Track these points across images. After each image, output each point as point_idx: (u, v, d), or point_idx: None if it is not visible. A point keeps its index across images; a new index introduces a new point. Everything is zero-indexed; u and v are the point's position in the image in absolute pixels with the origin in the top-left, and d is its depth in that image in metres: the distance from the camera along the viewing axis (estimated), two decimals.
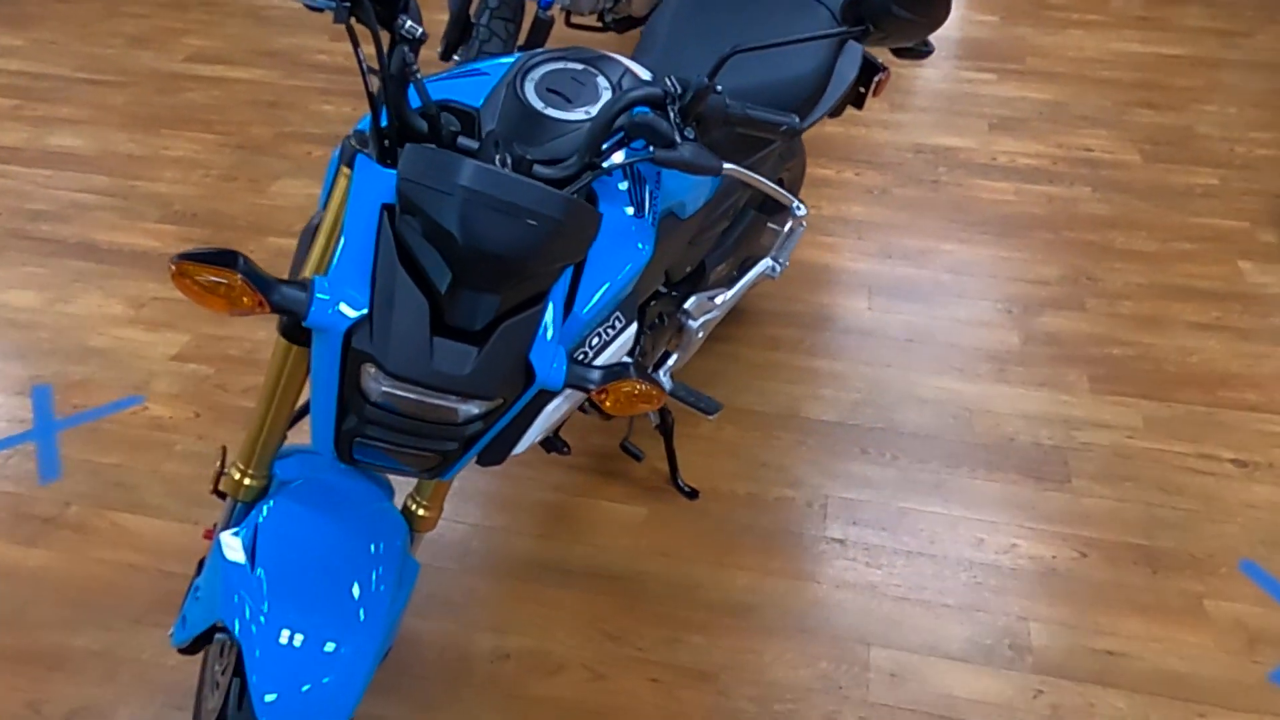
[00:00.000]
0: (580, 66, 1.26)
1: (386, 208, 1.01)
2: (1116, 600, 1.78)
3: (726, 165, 1.39)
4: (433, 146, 0.98)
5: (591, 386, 1.10)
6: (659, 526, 1.91)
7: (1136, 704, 1.61)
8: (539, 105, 1.20)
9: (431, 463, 1.12)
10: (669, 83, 1.13)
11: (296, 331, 1.13)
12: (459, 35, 2.94)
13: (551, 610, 1.74)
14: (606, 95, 1.24)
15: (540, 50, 1.28)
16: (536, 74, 1.24)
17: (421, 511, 1.34)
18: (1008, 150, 3.22)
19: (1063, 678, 1.65)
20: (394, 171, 1.02)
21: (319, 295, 0.98)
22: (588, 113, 1.21)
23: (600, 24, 3.34)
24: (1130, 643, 1.71)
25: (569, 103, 1.22)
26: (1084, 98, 3.56)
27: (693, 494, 1.96)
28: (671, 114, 1.12)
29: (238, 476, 1.23)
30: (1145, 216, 2.89)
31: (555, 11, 2.80)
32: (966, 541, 1.89)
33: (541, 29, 2.87)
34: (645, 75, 1.32)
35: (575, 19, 3.90)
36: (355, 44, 0.99)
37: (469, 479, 2.00)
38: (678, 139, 1.10)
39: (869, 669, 1.66)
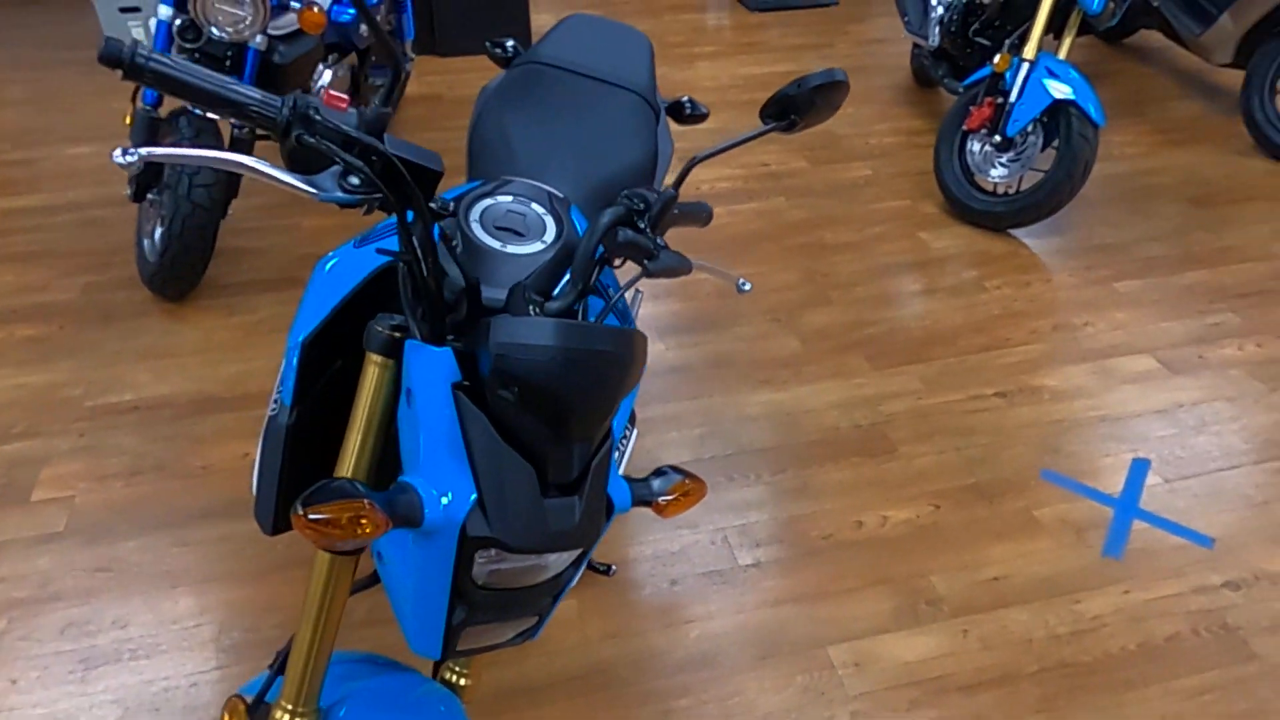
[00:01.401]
0: (510, 198, 1.27)
1: (458, 387, 0.97)
2: (976, 535, 2.11)
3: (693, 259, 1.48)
4: (508, 316, 0.96)
5: (656, 498, 1.13)
6: (596, 613, 1.92)
7: (1033, 611, 1.94)
8: (498, 245, 1.20)
9: (530, 625, 1.09)
10: (632, 199, 1.19)
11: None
12: (151, 179, 2.69)
13: None
14: (549, 221, 1.27)
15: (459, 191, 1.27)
16: (474, 215, 1.23)
17: (463, 681, 1.27)
18: (706, 179, 3.58)
19: (974, 613, 1.93)
20: (448, 350, 0.98)
21: (427, 495, 0.92)
22: (544, 242, 1.23)
23: None
24: (1003, 565, 2.04)
25: (521, 236, 1.23)
26: (739, 120, 4.04)
27: (608, 570, 1.99)
28: (643, 226, 1.18)
29: (283, 716, 1.09)
30: (836, 212, 3.38)
31: None
32: (849, 527, 2.13)
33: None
34: (559, 194, 1.36)
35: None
36: (409, 232, 0.93)
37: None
38: (655, 249, 1.17)
39: (835, 667, 1.82)
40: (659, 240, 1.20)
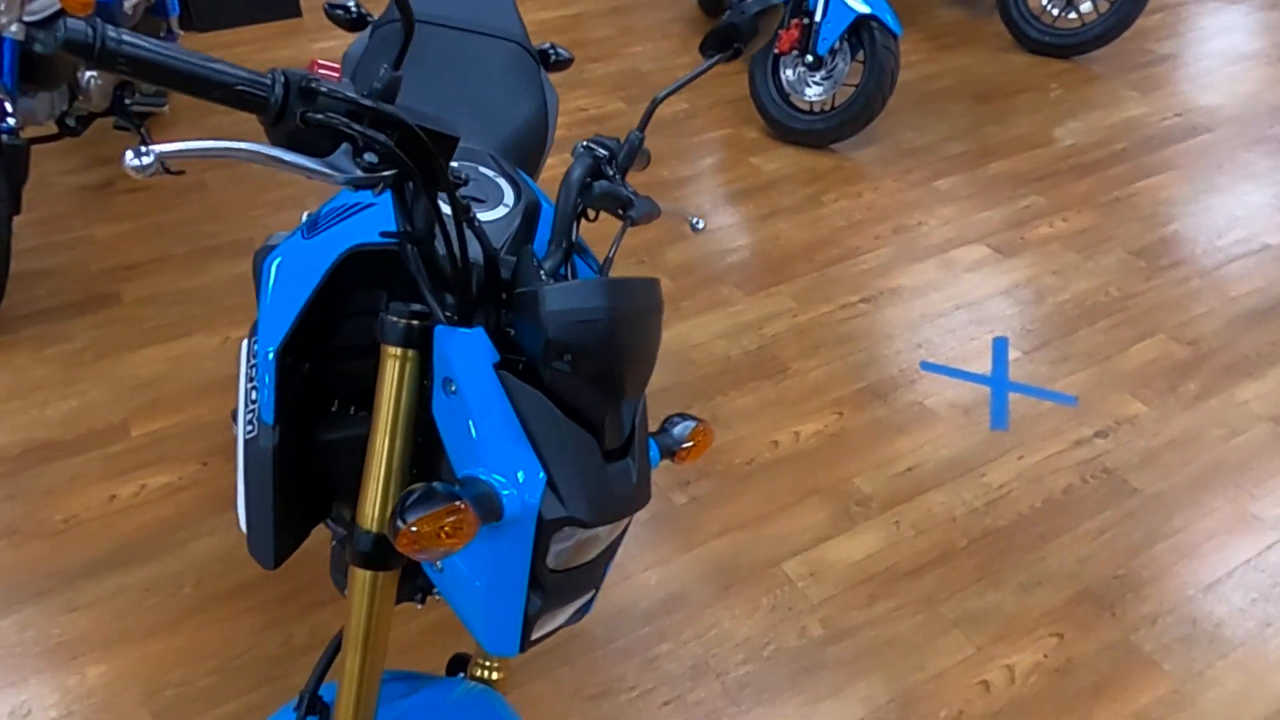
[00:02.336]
0: (456, 165, 1.18)
1: (499, 367, 0.89)
2: (881, 433, 2.24)
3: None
4: (555, 285, 0.89)
5: (678, 448, 1.12)
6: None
7: (948, 492, 2.08)
8: (493, 212, 1.12)
9: (588, 599, 1.04)
10: (599, 148, 1.14)
11: (382, 555, 0.95)
12: None
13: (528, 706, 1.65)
14: (503, 183, 1.19)
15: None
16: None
17: (495, 675, 1.21)
18: None
19: (899, 504, 2.06)
20: (480, 330, 0.90)
21: (497, 482, 0.85)
22: (507, 205, 1.16)
23: (59, 130, 2.81)
24: (911, 456, 2.18)
25: (482, 203, 1.15)
26: None
27: None
28: (613, 174, 1.14)
29: None
30: (665, 148, 3.40)
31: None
32: (767, 448, 2.19)
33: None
34: (490, 155, 1.28)
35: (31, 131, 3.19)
36: (436, 208, 0.84)
37: None
38: (631, 198, 1.13)
39: (793, 581, 1.89)
40: (630, 188, 1.16)
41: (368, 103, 0.79)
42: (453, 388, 0.89)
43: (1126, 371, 2.41)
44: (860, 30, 3.21)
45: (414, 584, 1.18)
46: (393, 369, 0.93)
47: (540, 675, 1.71)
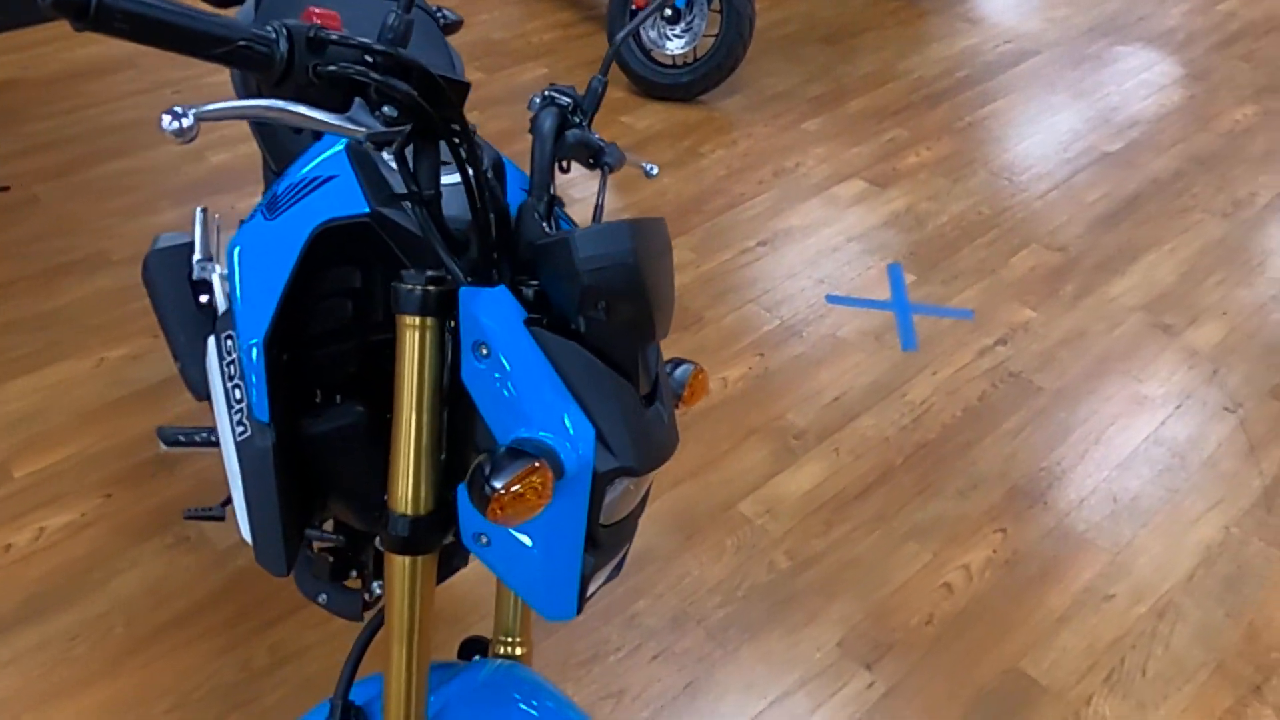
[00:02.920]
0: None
1: (529, 322, 0.85)
2: (803, 367, 2.30)
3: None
4: (583, 231, 0.86)
5: (681, 388, 1.11)
6: None
7: (877, 414, 2.17)
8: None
9: (620, 558, 1.02)
10: (560, 96, 1.11)
11: (422, 538, 0.90)
12: None
13: None
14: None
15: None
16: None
17: (519, 650, 1.17)
18: None
19: (834, 433, 2.12)
20: (503, 288, 0.85)
21: (549, 438, 0.82)
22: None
23: None
24: (836, 386, 2.25)
25: (447, 164, 1.09)
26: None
27: None
28: (580, 122, 1.11)
29: None
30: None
31: None
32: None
33: None
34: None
35: None
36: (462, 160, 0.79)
37: None
38: (603, 145, 1.11)
39: (751, 520, 1.92)
40: (598, 135, 1.13)
41: (385, 49, 0.73)
42: (485, 351, 0.85)
43: (1011, 282, 2.57)
44: None
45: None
46: (413, 340, 0.88)
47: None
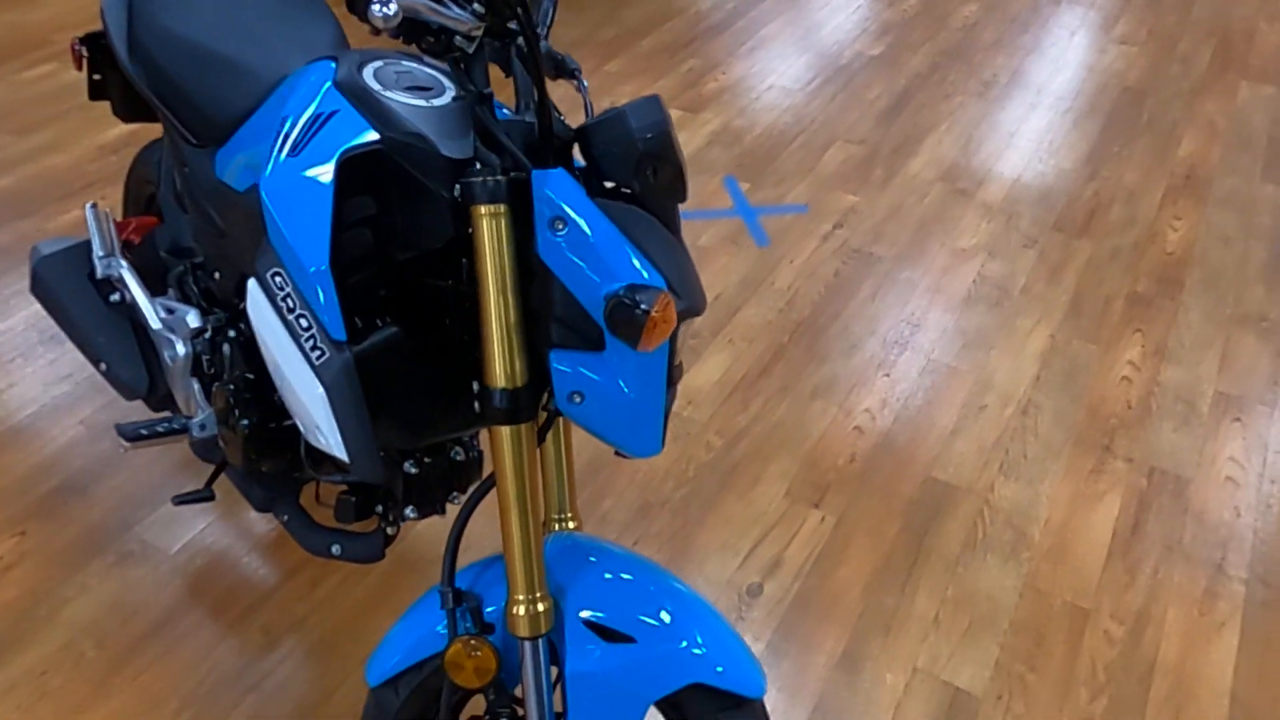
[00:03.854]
0: (379, 62, 1.18)
1: (598, 199, 0.96)
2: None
3: None
4: (630, 106, 0.98)
5: None
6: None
7: (755, 304, 2.40)
8: (425, 103, 1.13)
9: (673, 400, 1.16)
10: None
11: (525, 405, 1.00)
12: None
13: None
14: (434, 73, 1.21)
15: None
16: (372, 81, 1.13)
17: (572, 524, 1.29)
18: None
19: (723, 327, 2.34)
20: (563, 170, 0.96)
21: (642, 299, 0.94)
22: (452, 91, 1.18)
23: None
24: (712, 287, 2.46)
25: (429, 90, 1.17)
26: None
27: None
28: (544, 34, 1.21)
29: (523, 612, 1.04)
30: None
31: None
32: None
33: None
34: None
35: None
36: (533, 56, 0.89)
37: None
38: (561, 56, 1.22)
39: (680, 412, 2.10)
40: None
41: None
42: (561, 225, 0.96)
43: (829, 175, 2.88)
44: None
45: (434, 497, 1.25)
46: (490, 227, 0.97)
47: None
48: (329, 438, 1.05)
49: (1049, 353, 2.26)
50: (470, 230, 1.01)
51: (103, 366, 1.67)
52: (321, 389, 1.03)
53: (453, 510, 1.64)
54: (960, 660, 1.64)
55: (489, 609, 1.12)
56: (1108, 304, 2.41)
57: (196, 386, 1.56)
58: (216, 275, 1.46)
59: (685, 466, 1.98)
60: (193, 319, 1.52)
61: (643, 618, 1.10)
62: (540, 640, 1.06)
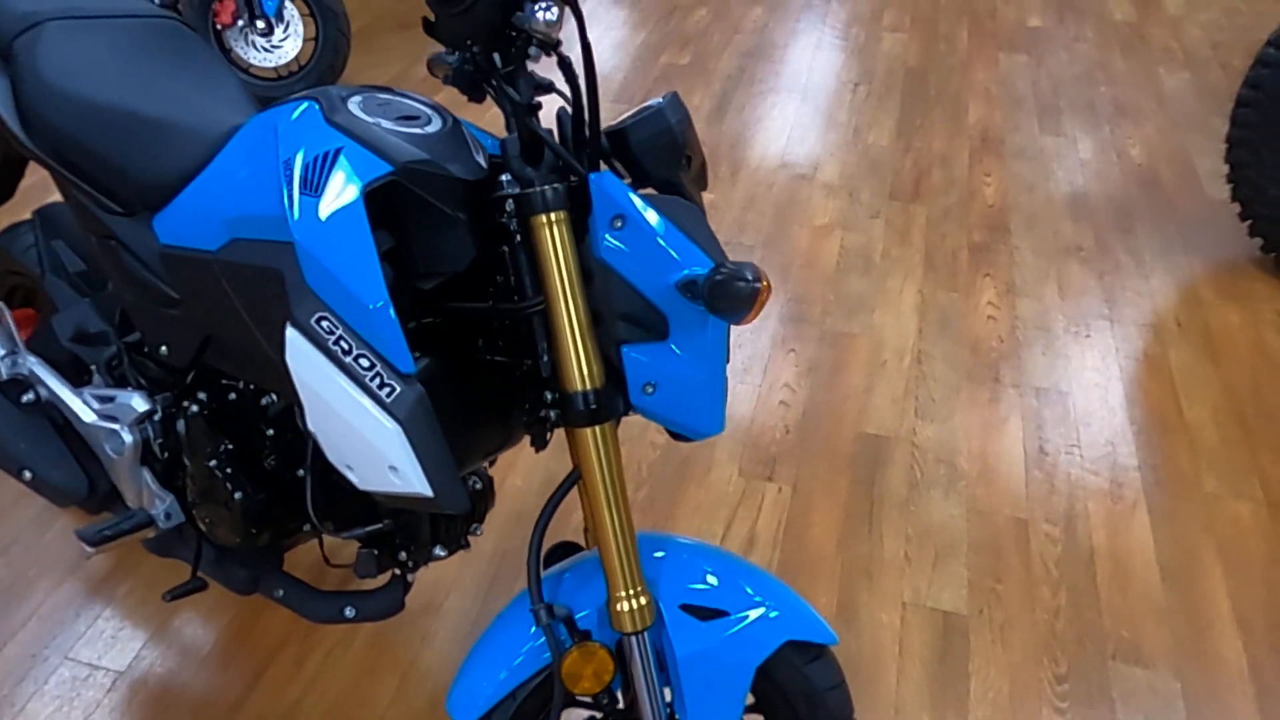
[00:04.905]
0: (360, 96, 1.16)
1: (647, 195, 1.00)
2: None
3: None
4: (662, 103, 1.05)
5: None
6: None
7: None
8: (420, 130, 1.12)
9: None
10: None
11: (604, 405, 1.02)
12: None
13: None
14: (417, 105, 1.19)
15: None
16: (368, 111, 1.11)
17: None
18: None
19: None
20: (609, 172, 0.98)
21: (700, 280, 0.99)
22: (442, 120, 1.17)
23: None
24: None
25: (417, 119, 1.16)
26: None
27: None
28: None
29: (628, 607, 1.05)
30: None
31: None
32: None
33: None
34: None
35: None
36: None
37: None
38: None
39: None
40: None
41: None
42: (620, 223, 1.00)
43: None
44: None
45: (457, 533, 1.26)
46: (552, 235, 0.99)
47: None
48: (409, 474, 1.02)
49: (922, 306, 2.49)
50: (511, 241, 1.03)
51: (26, 475, 1.49)
52: (395, 425, 1.00)
53: (479, 543, 1.59)
54: (939, 587, 1.78)
55: (579, 615, 1.12)
56: (955, 256, 2.68)
57: (148, 476, 1.43)
58: (164, 350, 1.35)
59: (638, 468, 2.02)
60: (139, 402, 1.40)
61: (727, 592, 1.14)
62: (647, 633, 1.08)
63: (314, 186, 1.04)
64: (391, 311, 0.99)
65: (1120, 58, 3.80)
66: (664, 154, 1.03)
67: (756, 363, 2.29)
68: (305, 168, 1.05)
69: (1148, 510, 1.94)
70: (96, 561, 1.80)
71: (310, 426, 1.09)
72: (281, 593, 1.43)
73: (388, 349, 1.00)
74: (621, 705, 1.16)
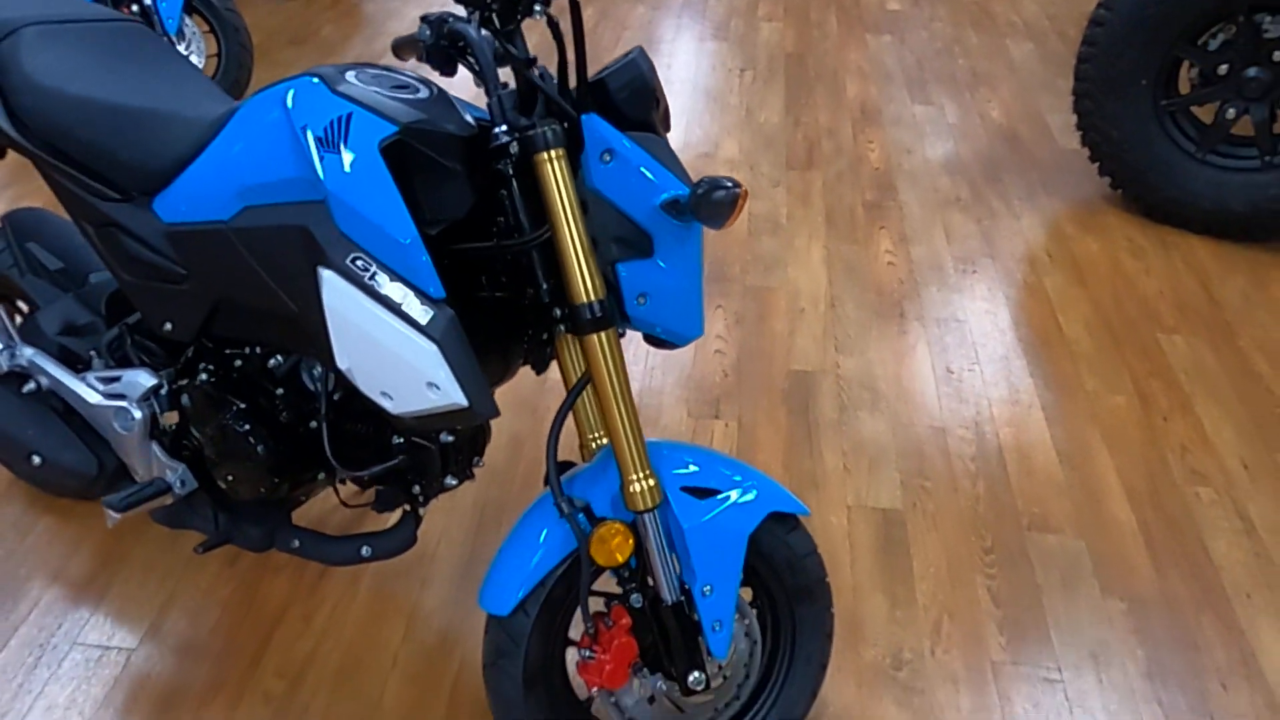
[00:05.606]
0: (354, 71, 1.30)
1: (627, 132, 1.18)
2: None
3: None
4: (629, 58, 1.21)
5: None
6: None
7: None
8: (416, 95, 1.27)
9: None
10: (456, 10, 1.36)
11: (608, 313, 1.19)
12: None
13: None
14: (406, 78, 1.33)
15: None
16: (364, 84, 1.25)
17: (605, 440, 1.47)
18: None
19: None
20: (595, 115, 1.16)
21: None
22: (430, 91, 1.31)
23: None
24: None
25: (408, 87, 1.30)
26: None
27: None
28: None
29: (639, 488, 1.23)
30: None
31: None
32: None
33: None
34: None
35: None
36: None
37: None
38: None
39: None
40: None
41: None
42: (608, 156, 1.17)
43: None
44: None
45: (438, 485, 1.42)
46: (554, 169, 1.16)
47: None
48: (447, 387, 1.16)
49: (829, 259, 2.75)
50: (509, 186, 1.20)
51: (35, 460, 1.56)
52: (433, 344, 1.15)
53: (462, 497, 1.68)
54: (876, 490, 2.02)
55: (595, 506, 1.29)
56: (851, 214, 2.95)
57: (157, 448, 1.53)
58: (168, 326, 1.46)
59: (596, 423, 2.18)
60: (145, 378, 1.50)
61: (715, 476, 1.33)
62: (656, 511, 1.26)
63: (335, 145, 1.18)
64: (421, 244, 1.14)
65: (972, 33, 4.19)
66: (639, 97, 1.21)
67: None
68: (325, 130, 1.19)
69: (1042, 409, 2.23)
70: (85, 557, 1.85)
71: (344, 364, 1.23)
72: (297, 543, 1.55)
73: (419, 278, 1.15)
74: (636, 584, 1.33)
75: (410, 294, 1.16)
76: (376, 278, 1.16)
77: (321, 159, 1.18)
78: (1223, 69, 2.68)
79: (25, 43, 1.47)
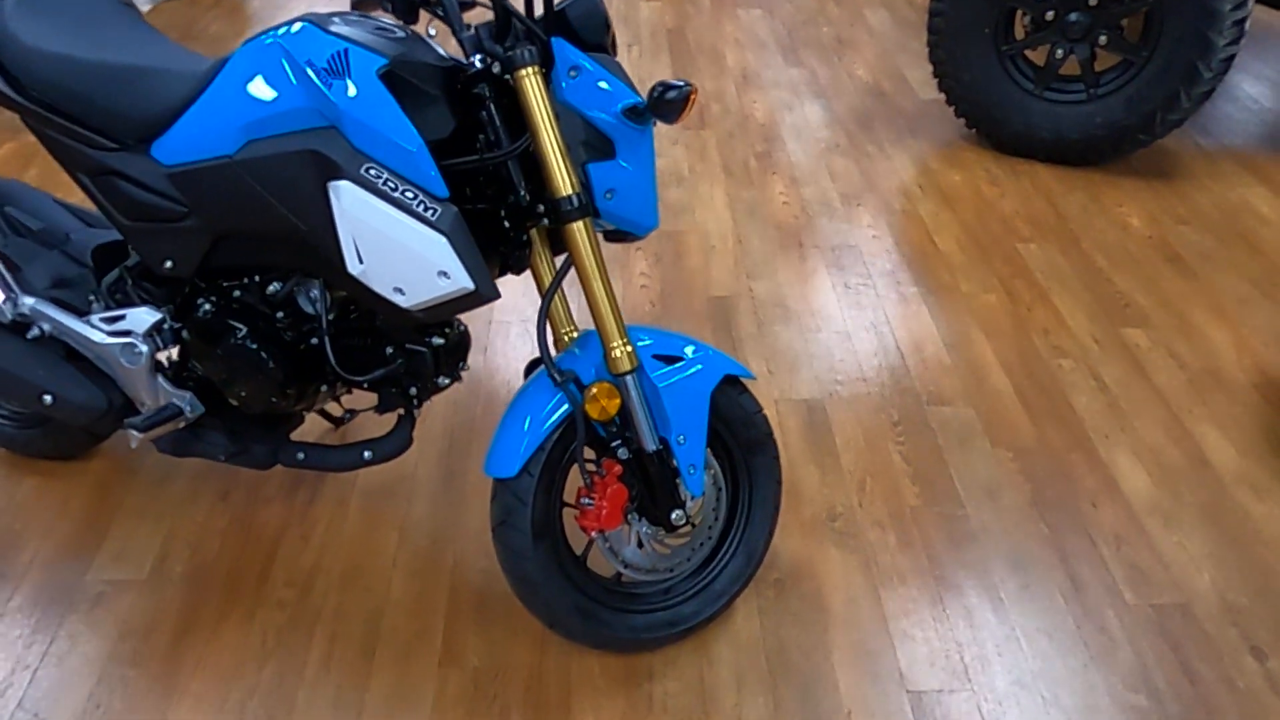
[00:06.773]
0: (338, 18, 1.48)
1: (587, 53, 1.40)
2: None
3: None
4: None
5: None
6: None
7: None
8: (399, 34, 1.47)
9: None
10: None
11: (587, 203, 1.42)
12: None
13: None
14: (384, 20, 1.52)
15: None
16: (349, 26, 1.44)
17: (576, 333, 1.69)
18: None
19: None
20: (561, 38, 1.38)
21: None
22: (404, 31, 1.51)
23: None
24: None
25: (386, 31, 1.49)
26: None
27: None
28: None
29: (620, 353, 1.46)
30: None
31: None
32: None
33: None
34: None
35: None
36: None
37: None
38: None
39: (504, 319, 2.49)
40: None
41: None
42: (574, 72, 1.40)
43: None
44: None
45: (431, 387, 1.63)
46: (535, 85, 1.38)
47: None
48: (456, 273, 1.37)
49: (731, 202, 3.03)
50: (488, 108, 1.41)
51: (47, 399, 1.66)
52: (441, 236, 1.35)
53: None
54: (798, 385, 2.31)
55: (581, 375, 1.51)
56: (746, 164, 3.25)
57: (162, 380, 1.67)
58: (168, 264, 1.60)
59: None
60: (149, 314, 1.63)
61: (676, 347, 1.58)
62: (636, 373, 1.49)
63: (341, 75, 1.37)
64: (426, 151, 1.34)
65: (833, 4, 4.58)
66: (594, 24, 1.44)
67: (615, 261, 2.74)
68: (328, 62, 1.38)
69: (927, 310, 2.57)
70: (81, 501, 1.95)
71: (357, 269, 1.41)
72: (302, 456, 1.71)
73: (426, 181, 1.35)
74: (621, 438, 1.55)
75: (419, 194, 1.36)
76: (389, 183, 1.36)
77: (330, 87, 1.36)
78: (1049, 15, 3.10)
79: (9, 10, 1.59)
